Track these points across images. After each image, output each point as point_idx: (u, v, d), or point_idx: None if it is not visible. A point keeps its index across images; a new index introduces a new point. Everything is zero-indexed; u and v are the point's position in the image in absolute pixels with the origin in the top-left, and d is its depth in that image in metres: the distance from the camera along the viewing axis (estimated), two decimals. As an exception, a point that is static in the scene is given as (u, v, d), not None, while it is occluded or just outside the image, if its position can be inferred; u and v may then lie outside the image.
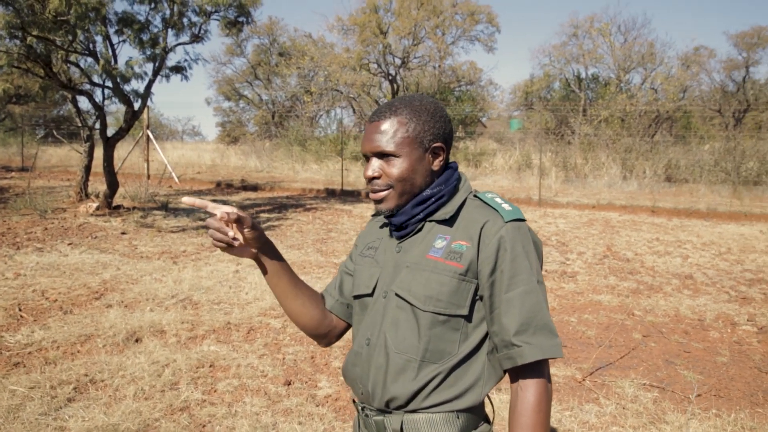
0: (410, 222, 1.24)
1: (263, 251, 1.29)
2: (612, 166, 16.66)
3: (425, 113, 1.21)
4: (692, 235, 8.98)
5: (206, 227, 1.23)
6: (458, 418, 1.17)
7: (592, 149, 17.86)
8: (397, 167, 1.21)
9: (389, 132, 1.20)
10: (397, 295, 1.20)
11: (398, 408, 1.18)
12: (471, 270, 1.15)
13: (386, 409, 1.20)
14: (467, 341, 1.17)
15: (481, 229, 1.16)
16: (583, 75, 24.59)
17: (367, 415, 1.23)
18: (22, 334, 4.19)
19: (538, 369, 1.12)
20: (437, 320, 1.16)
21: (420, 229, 1.25)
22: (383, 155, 1.21)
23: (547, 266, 6.70)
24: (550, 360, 1.19)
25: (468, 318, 1.16)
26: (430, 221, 1.24)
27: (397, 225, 1.25)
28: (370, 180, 1.24)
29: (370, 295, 1.28)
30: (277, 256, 1.32)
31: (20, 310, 4.74)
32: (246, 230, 1.23)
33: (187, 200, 1.23)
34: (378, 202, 1.24)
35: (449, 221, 1.21)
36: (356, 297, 1.33)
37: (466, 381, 1.17)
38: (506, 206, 1.19)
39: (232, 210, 1.20)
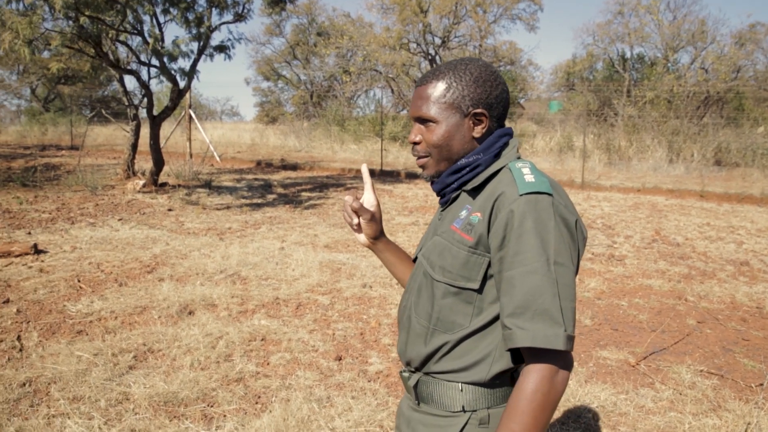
0: (446, 191, 1.24)
1: (375, 243, 1.45)
2: (657, 149, 16.12)
3: (467, 77, 1.17)
4: (746, 221, 8.65)
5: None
6: (462, 390, 1.16)
7: (637, 131, 17.30)
8: (434, 133, 1.19)
9: (429, 97, 1.19)
10: (422, 262, 1.25)
11: (416, 369, 1.24)
12: (482, 243, 1.10)
13: (409, 368, 1.27)
14: (480, 316, 1.14)
15: (495, 201, 1.10)
16: (628, 55, 23.78)
17: (402, 371, 1.30)
18: (83, 304, 4.35)
19: (544, 356, 1.02)
20: (449, 291, 1.15)
21: (456, 198, 1.24)
22: (423, 120, 1.21)
23: (594, 249, 6.57)
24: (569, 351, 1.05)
25: (480, 291, 1.13)
26: (464, 191, 1.22)
27: (437, 193, 1.27)
28: (413, 146, 1.25)
29: (416, 259, 1.33)
30: (389, 248, 1.46)
31: (79, 281, 4.92)
32: (363, 221, 1.38)
33: (364, 169, 1.43)
34: (421, 168, 1.26)
35: (474, 191, 1.19)
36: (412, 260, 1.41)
37: (475, 355, 1.15)
38: (529, 177, 1.10)
39: (354, 201, 1.37)
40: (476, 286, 1.12)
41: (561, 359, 1.03)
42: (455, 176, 1.20)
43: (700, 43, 21.11)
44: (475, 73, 1.17)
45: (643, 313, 4.55)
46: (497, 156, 1.19)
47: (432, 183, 1.26)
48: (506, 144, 1.21)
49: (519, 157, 1.20)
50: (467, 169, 1.19)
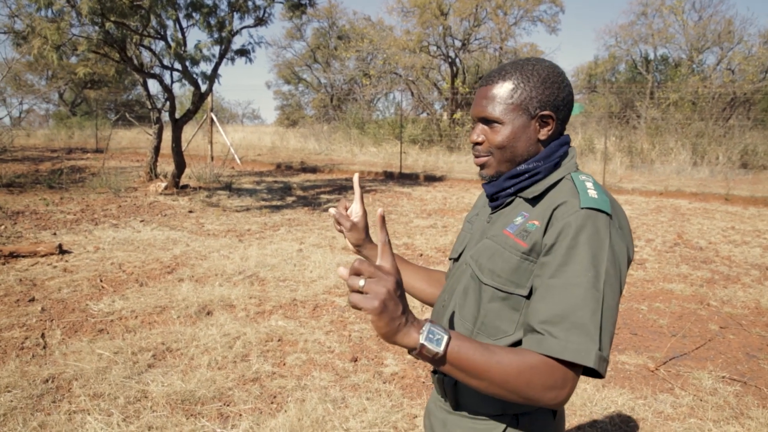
0: (501, 194, 1.22)
1: (359, 250, 1.47)
2: (681, 151, 15.85)
3: (535, 78, 1.15)
4: (772, 225, 8.46)
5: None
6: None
7: (660, 134, 17.03)
8: (498, 134, 1.17)
9: (495, 97, 1.17)
10: (469, 264, 1.22)
11: None
12: (535, 251, 1.08)
13: None
14: None
15: (554, 210, 1.07)
16: (652, 56, 23.45)
17: (434, 372, 1.26)
18: (104, 303, 4.44)
19: (569, 367, 0.97)
20: (497, 295, 1.13)
21: (509, 203, 1.22)
22: (487, 121, 1.19)
23: (614, 253, 6.48)
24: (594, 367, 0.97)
25: (528, 298, 1.10)
26: (520, 197, 1.20)
27: (489, 196, 1.24)
28: (474, 145, 1.23)
29: (457, 259, 1.31)
30: (372, 255, 1.47)
31: (101, 281, 5.02)
32: (344, 229, 1.44)
33: (355, 179, 1.45)
34: (480, 167, 1.23)
35: (534, 200, 1.16)
36: (450, 259, 1.37)
37: None
38: (592, 192, 1.08)
39: (336, 211, 1.44)
40: (525, 292, 1.10)
41: (574, 379, 0.98)
42: (513, 181, 1.19)
43: (727, 43, 20.71)
44: (543, 74, 1.16)
45: (664, 318, 4.48)
46: (557, 165, 1.17)
47: (488, 183, 1.24)
48: (566, 153, 1.19)
49: (578, 168, 1.19)
50: (526, 175, 1.17)
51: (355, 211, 1.45)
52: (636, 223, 8.37)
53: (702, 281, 5.47)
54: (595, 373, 1.01)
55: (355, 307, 0.92)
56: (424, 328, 0.95)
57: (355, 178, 1.44)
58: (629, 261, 1.09)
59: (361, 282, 0.92)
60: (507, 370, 0.96)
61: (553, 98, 1.16)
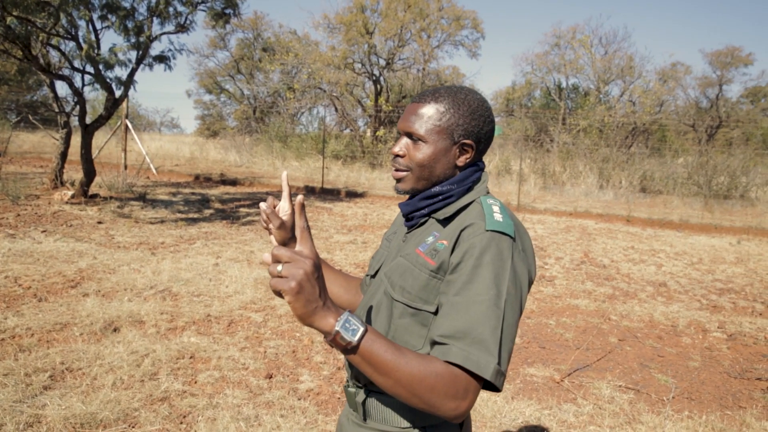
0: (415, 215, 1.26)
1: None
2: (589, 175, 16.94)
3: (465, 107, 1.21)
4: (665, 245, 9.19)
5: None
6: (410, 410, 1.17)
7: (570, 158, 18.14)
8: (420, 152, 1.22)
9: (424, 116, 1.21)
10: (383, 280, 1.26)
11: (364, 385, 1.23)
12: (442, 269, 1.13)
13: (357, 383, 1.25)
14: None
15: (461, 231, 1.13)
16: (564, 84, 25.00)
17: (346, 386, 1.29)
18: (-4, 320, 4.08)
19: (471, 376, 1.01)
20: (407, 311, 1.16)
21: (423, 224, 1.27)
22: (412, 137, 1.23)
23: (526, 270, 6.78)
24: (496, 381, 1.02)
25: (436, 314, 1.15)
26: (433, 218, 1.25)
27: (405, 215, 1.29)
28: (395, 157, 1.27)
29: (374, 276, 1.34)
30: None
31: (-7, 295, 4.62)
32: (273, 227, 1.35)
33: (283, 177, 1.34)
34: (397, 180, 1.27)
35: (445, 221, 1.22)
36: (367, 276, 1.40)
37: None
38: (498, 215, 1.14)
39: (268, 207, 1.30)
40: (433, 309, 1.14)
41: (474, 392, 1.01)
42: (427, 202, 1.23)
43: (629, 77, 22.48)
44: (473, 106, 1.22)
45: (570, 332, 4.74)
46: (469, 189, 1.23)
47: (404, 203, 1.28)
48: (479, 179, 1.26)
49: (488, 193, 1.26)
50: (440, 197, 1.22)
51: (283, 208, 1.43)
52: (547, 242, 8.82)
53: (604, 297, 5.84)
54: (492, 387, 1.06)
55: (275, 290, 0.96)
56: (342, 317, 0.98)
57: (284, 175, 1.43)
58: (530, 282, 1.16)
59: (279, 267, 0.96)
60: (413, 372, 0.99)
61: (477, 129, 1.22)
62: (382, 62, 20.88)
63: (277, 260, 0.97)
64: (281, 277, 0.96)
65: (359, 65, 20.91)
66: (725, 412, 3.41)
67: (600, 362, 4.12)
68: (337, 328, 0.96)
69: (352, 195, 13.78)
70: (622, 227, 11.07)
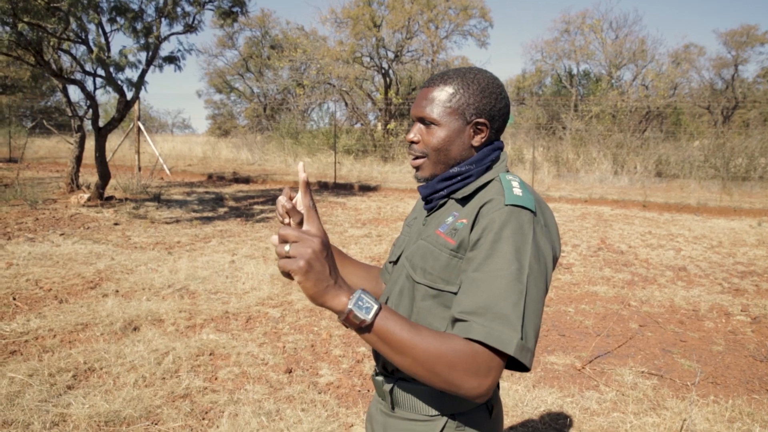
0: (434, 197, 1.25)
1: None
2: (603, 161, 16.75)
3: (475, 86, 1.19)
4: (684, 229, 9.07)
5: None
6: (438, 394, 1.15)
7: (584, 144, 17.94)
8: (434, 136, 1.20)
9: (435, 99, 1.20)
10: (404, 264, 1.24)
11: (391, 372, 1.22)
12: (462, 247, 1.10)
13: (385, 372, 1.24)
14: None
15: (480, 207, 1.11)
16: (575, 71, 24.71)
17: (374, 374, 1.27)
18: (18, 323, 4.14)
19: (494, 353, 0.97)
20: (429, 293, 1.15)
21: (443, 205, 1.25)
22: (425, 121, 1.22)
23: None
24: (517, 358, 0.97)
25: (458, 294, 1.13)
26: (452, 198, 1.23)
27: (424, 198, 1.27)
28: (411, 144, 1.25)
29: (395, 262, 1.32)
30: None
31: (14, 299, 4.68)
32: (293, 223, 1.27)
33: (300, 167, 1.26)
34: (416, 169, 1.26)
35: (464, 200, 1.20)
36: (389, 262, 1.38)
37: None
38: (517, 190, 1.11)
39: (287, 201, 1.21)
40: (455, 289, 1.11)
41: (498, 369, 0.97)
42: (445, 183, 1.21)
43: (641, 61, 22.16)
44: (483, 84, 1.20)
45: (589, 319, 4.69)
46: (488, 168, 1.21)
47: (423, 186, 1.27)
48: (498, 158, 1.23)
49: (508, 171, 1.23)
50: (459, 177, 1.20)
51: (302, 202, 1.40)
52: (563, 230, 8.74)
53: (623, 283, 5.78)
54: (520, 367, 1.04)
55: (284, 271, 0.94)
56: (354, 295, 0.96)
57: (300, 165, 1.39)
58: (555, 259, 1.12)
59: (287, 247, 0.94)
60: (431, 349, 0.96)
61: (489, 107, 1.20)
62: (391, 55, 20.80)
63: (284, 240, 0.95)
64: (289, 257, 0.93)
65: (368, 59, 20.86)
66: (752, 396, 3.35)
67: (621, 348, 4.07)
68: (350, 306, 0.94)
69: (365, 189, 13.77)
70: (638, 213, 10.94)
